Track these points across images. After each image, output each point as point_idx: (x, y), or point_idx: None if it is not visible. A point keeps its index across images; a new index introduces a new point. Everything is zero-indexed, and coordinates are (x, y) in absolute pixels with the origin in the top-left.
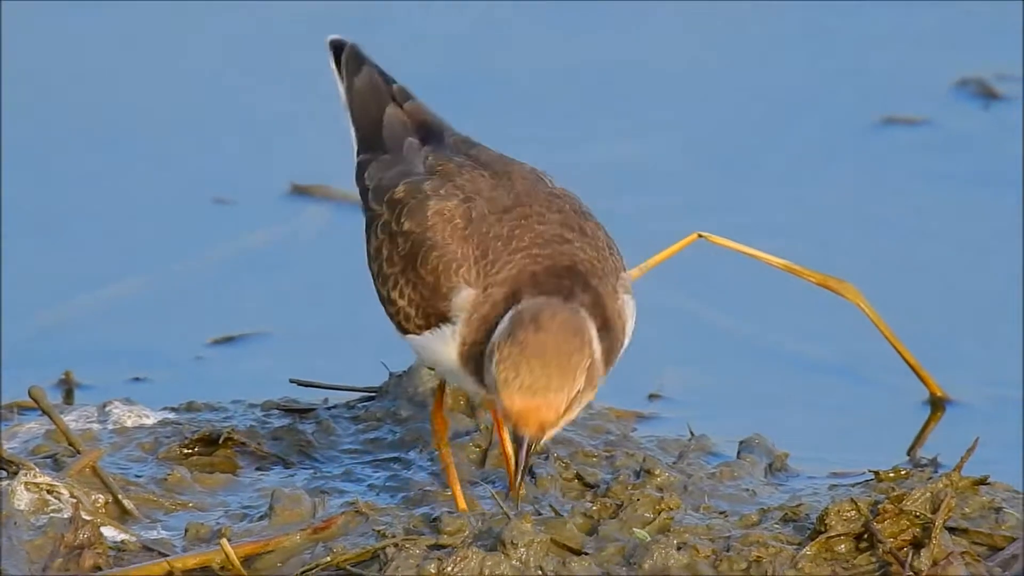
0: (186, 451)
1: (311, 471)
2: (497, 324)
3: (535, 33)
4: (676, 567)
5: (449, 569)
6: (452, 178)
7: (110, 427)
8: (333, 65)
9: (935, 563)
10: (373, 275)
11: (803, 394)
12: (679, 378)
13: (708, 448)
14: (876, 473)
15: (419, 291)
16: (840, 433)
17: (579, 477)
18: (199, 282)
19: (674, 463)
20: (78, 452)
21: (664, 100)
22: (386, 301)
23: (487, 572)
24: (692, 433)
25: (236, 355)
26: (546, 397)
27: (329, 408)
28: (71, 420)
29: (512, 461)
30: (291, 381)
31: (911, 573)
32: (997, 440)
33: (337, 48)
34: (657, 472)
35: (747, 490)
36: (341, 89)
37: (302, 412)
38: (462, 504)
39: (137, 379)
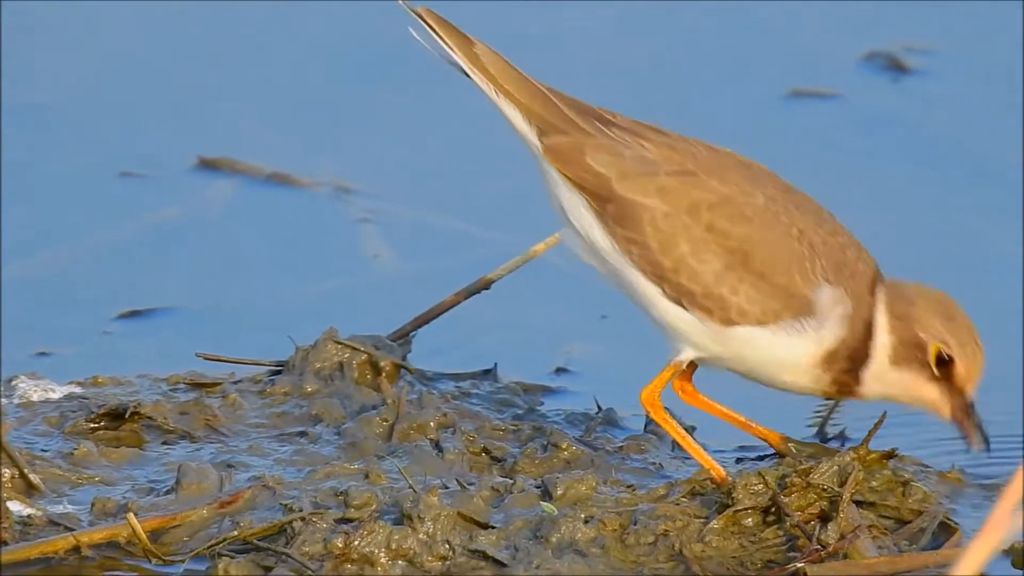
0: (92, 425)
1: (217, 445)
2: (871, 322)
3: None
4: (583, 540)
5: (356, 543)
6: (699, 168)
7: (16, 401)
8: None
9: (842, 536)
10: (655, 264)
11: None
12: (586, 351)
13: (615, 422)
14: None
15: (762, 288)
16: (748, 406)
17: (486, 451)
18: (105, 256)
19: (581, 437)
20: None
21: (572, 74)
22: (705, 294)
23: (394, 546)
24: (599, 407)
25: (142, 329)
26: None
27: (235, 382)
28: None
29: (968, 422)
30: (197, 355)
31: (818, 546)
32: (905, 414)
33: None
34: (564, 446)
35: (654, 463)
36: (461, 57)
37: (208, 386)
38: (720, 472)
39: (43, 353)
